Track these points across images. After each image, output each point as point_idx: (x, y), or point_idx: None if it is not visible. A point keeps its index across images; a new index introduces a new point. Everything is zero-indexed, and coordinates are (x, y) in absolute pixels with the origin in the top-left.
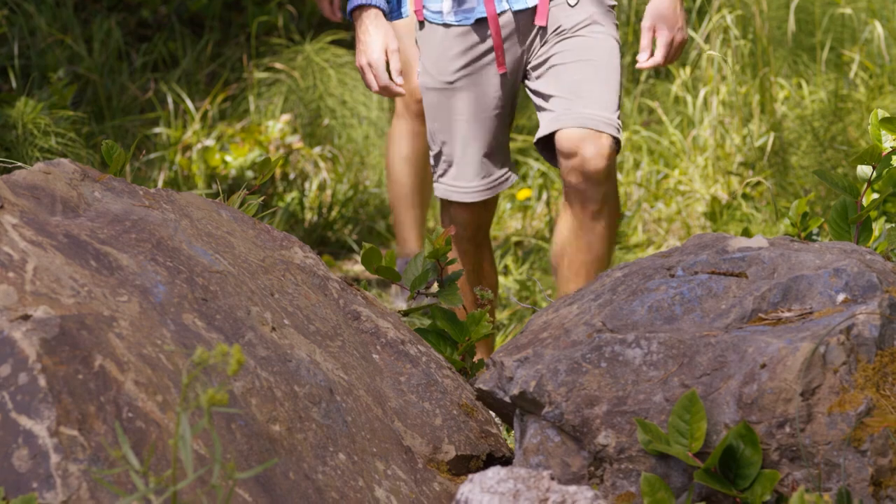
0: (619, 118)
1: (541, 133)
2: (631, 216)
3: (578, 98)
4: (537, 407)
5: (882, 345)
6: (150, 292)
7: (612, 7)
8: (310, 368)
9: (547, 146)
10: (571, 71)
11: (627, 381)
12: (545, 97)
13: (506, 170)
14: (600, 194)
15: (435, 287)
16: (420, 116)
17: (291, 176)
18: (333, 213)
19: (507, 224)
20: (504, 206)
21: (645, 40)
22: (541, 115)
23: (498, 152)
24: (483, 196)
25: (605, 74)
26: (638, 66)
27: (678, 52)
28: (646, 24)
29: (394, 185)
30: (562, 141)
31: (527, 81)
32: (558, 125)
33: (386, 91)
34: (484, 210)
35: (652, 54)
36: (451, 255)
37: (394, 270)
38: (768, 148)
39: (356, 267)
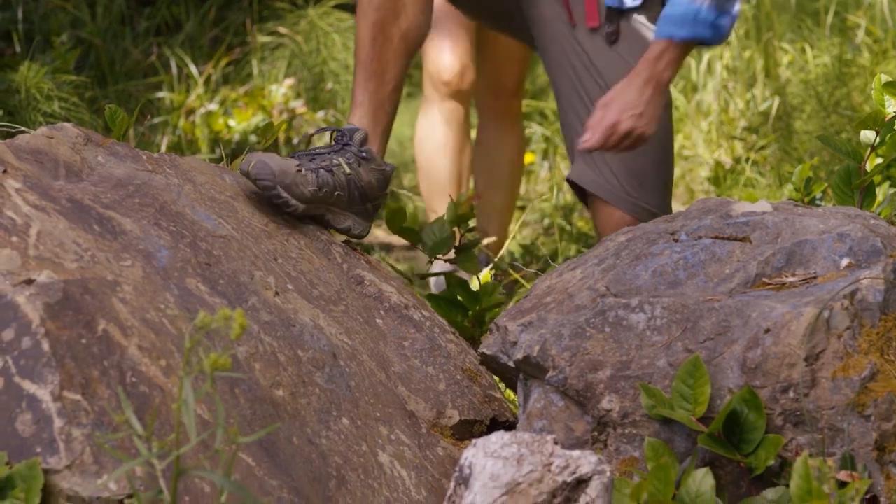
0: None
1: (579, 179)
2: None
3: (634, 178)
4: (541, 371)
5: (886, 309)
6: (153, 257)
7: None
8: (313, 333)
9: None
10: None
11: (631, 346)
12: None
13: None
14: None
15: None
16: (450, 98)
17: (295, 140)
18: None
19: None
20: None
21: (595, 118)
22: (579, 155)
23: None
24: None
25: (663, 154)
26: (578, 147)
27: (622, 141)
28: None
29: (428, 177)
30: (602, 215)
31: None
32: (607, 198)
33: None
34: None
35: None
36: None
37: (416, 233)
38: (772, 113)
39: None
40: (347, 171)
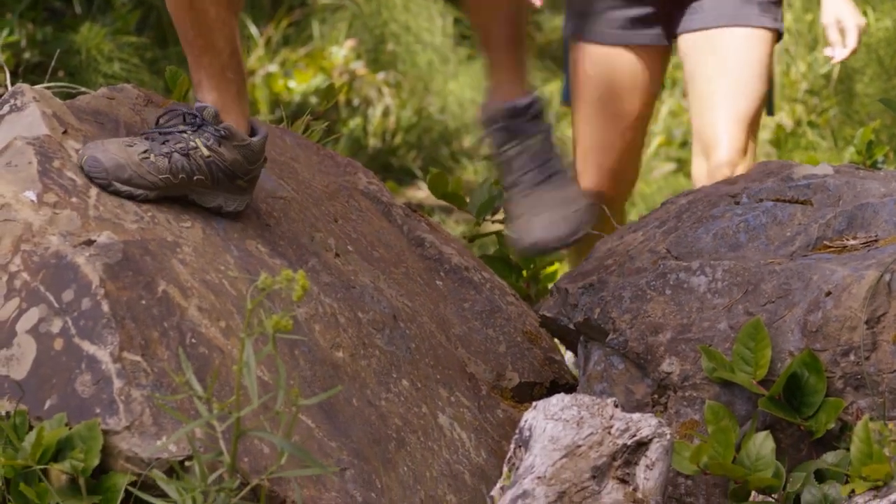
0: None
1: None
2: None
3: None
4: (601, 334)
5: None
6: (213, 218)
7: None
8: (373, 295)
9: None
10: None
11: (692, 309)
12: None
13: None
14: None
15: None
16: None
17: (355, 102)
18: (397, 140)
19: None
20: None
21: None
22: None
23: None
24: None
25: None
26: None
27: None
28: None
29: None
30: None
31: None
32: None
33: None
34: None
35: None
36: None
37: (461, 196)
38: (833, 75)
39: (420, 193)
40: (206, 153)
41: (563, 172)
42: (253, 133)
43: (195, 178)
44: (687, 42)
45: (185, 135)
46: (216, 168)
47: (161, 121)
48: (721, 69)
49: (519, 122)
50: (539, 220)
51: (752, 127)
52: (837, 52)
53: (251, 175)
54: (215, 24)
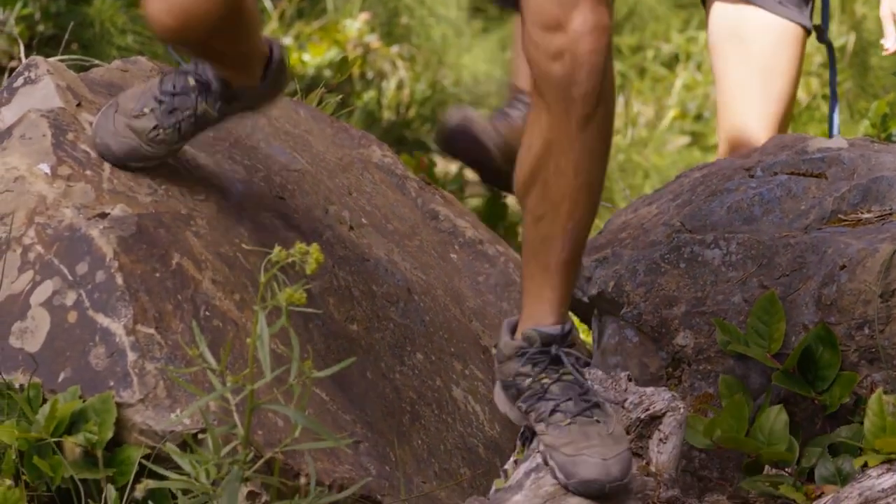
0: None
1: None
2: (710, 117)
3: None
4: (616, 307)
5: None
6: (227, 191)
7: None
8: (388, 268)
9: None
10: None
11: (706, 282)
12: None
13: None
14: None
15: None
16: None
17: (369, 75)
18: (411, 113)
19: None
20: None
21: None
22: None
23: None
24: None
25: None
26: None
27: None
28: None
29: None
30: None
31: None
32: None
33: None
34: None
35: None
36: None
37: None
38: (848, 48)
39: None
40: (215, 115)
41: (603, 404)
42: (269, 60)
43: (206, 132)
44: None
45: (192, 99)
46: (228, 119)
47: (168, 84)
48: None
49: (557, 350)
50: (591, 456)
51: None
52: (890, 42)
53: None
54: None
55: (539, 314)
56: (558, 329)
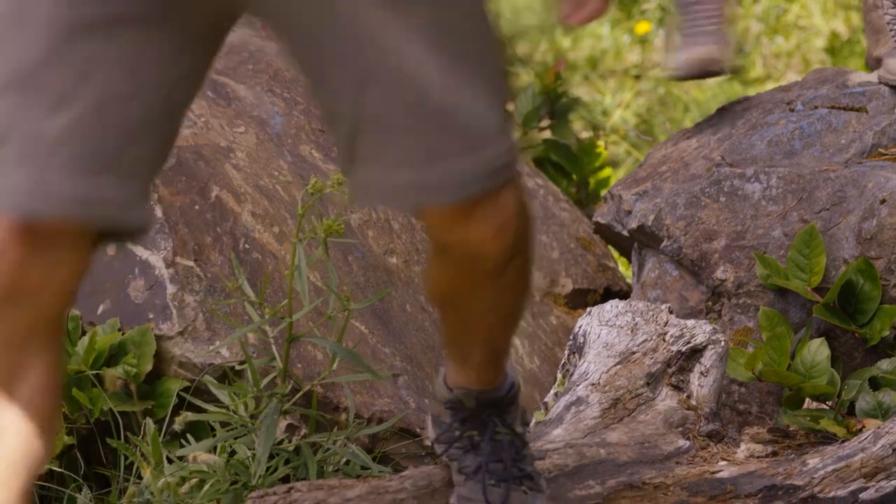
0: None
1: None
2: (750, 51)
3: None
4: (655, 241)
5: None
6: (267, 123)
7: None
8: None
9: None
10: None
11: (746, 216)
12: None
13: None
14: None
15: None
16: None
17: None
18: None
19: (626, 57)
20: (623, 39)
21: None
22: None
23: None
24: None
25: None
26: None
27: None
28: None
29: None
30: None
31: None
32: None
33: None
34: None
35: None
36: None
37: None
38: None
39: None
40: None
41: (537, 477)
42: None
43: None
44: None
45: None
46: None
47: None
48: None
49: (489, 417)
50: None
51: None
52: None
53: None
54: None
55: (466, 380)
56: (496, 392)
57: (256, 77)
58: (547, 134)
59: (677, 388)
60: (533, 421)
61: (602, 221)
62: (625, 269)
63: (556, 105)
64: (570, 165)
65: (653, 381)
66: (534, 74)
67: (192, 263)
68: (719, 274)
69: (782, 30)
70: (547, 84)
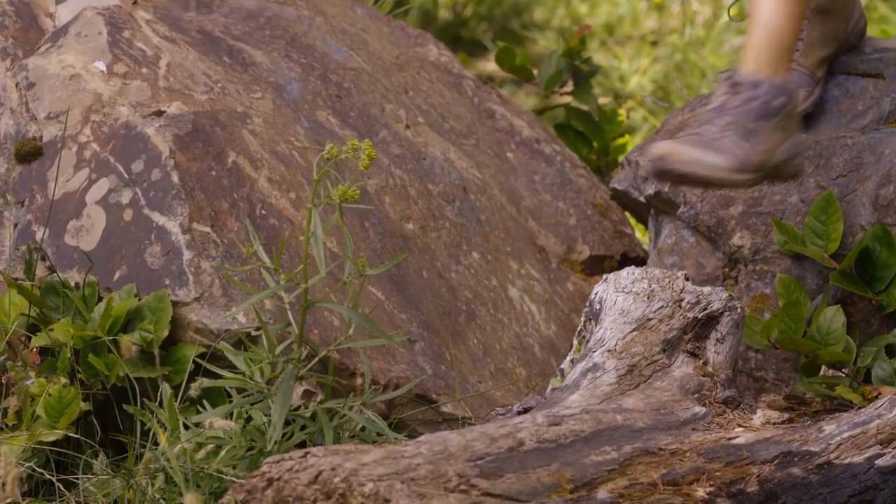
0: None
1: None
2: None
3: None
4: (672, 207)
5: None
6: (283, 89)
7: None
8: (444, 167)
9: None
10: None
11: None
12: None
13: None
14: None
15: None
16: None
17: None
18: (468, 11)
19: (643, 24)
20: (640, 5)
21: None
22: None
23: None
24: None
25: None
26: None
27: None
28: None
29: None
30: None
31: None
32: None
33: None
34: None
35: None
36: None
37: (528, 69)
38: None
39: (490, 66)
40: None
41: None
42: None
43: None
44: None
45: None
46: None
47: None
48: None
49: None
50: None
51: None
52: None
53: None
54: None
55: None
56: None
57: (273, 43)
58: (568, 99)
59: (693, 354)
60: (549, 388)
61: (619, 188)
62: (641, 235)
63: (579, 70)
64: (592, 133)
65: (669, 347)
66: (560, 38)
67: (208, 229)
68: (736, 240)
69: None
70: (572, 47)
